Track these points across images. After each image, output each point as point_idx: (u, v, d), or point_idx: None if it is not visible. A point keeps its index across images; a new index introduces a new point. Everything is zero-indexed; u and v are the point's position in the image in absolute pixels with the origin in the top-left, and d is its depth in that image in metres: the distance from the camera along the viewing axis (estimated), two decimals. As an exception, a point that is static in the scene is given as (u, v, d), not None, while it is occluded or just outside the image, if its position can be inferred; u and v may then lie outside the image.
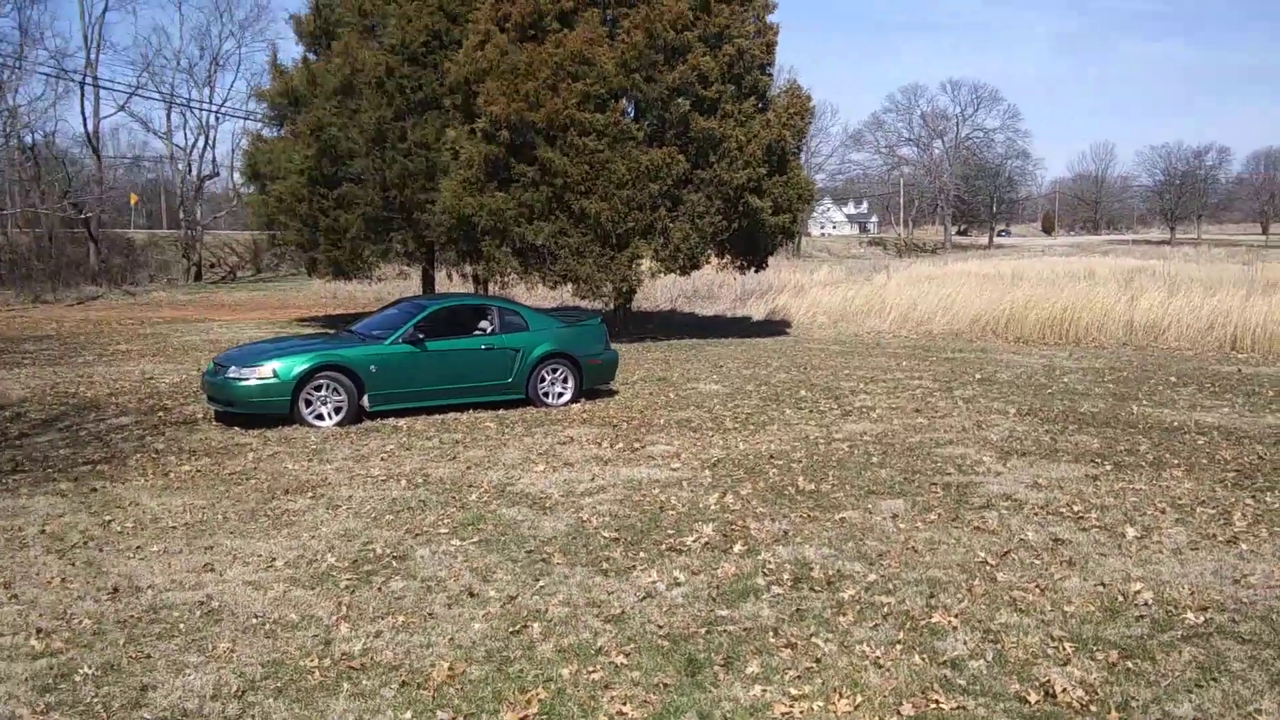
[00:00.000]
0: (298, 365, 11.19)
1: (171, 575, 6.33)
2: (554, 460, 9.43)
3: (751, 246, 21.50)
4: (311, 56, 25.96)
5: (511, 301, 13.66)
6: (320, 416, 11.30)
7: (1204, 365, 16.06)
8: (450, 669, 4.72)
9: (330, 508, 7.96)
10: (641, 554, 6.47)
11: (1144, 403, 12.13)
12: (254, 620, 5.52)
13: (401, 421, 11.51)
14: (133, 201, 55.36)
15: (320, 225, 23.39)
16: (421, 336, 11.86)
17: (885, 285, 28.94)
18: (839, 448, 9.70)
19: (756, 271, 23.36)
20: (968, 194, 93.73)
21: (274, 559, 6.64)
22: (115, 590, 6.08)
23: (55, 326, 25.55)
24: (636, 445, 10.09)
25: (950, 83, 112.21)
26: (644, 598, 5.64)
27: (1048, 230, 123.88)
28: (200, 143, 46.73)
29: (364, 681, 4.66)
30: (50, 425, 11.64)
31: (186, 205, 44.36)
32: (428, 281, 27.69)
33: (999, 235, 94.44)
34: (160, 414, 12.25)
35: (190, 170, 47.18)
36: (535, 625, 5.26)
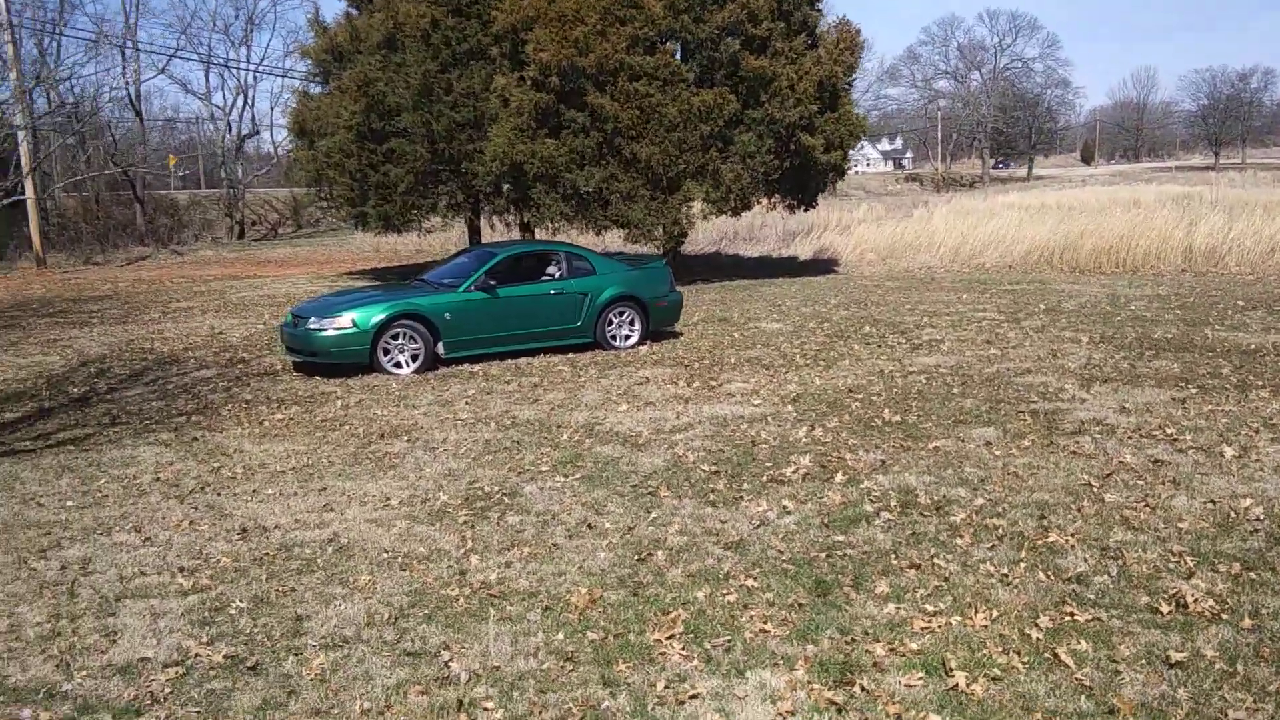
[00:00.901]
0: (375, 314, 11.40)
1: (294, 516, 6.58)
2: (635, 400, 9.60)
3: (802, 185, 21.43)
4: (354, 12, 25.94)
5: (578, 246, 13.76)
6: (398, 364, 11.53)
7: (1270, 289, 15.94)
8: (589, 594, 4.93)
9: (428, 449, 8.19)
10: (745, 485, 6.64)
11: (1216, 327, 12.11)
12: (385, 555, 5.76)
13: (476, 367, 11.72)
14: (171, 163, 55.81)
15: (370, 180, 23.52)
16: (493, 283, 12.03)
17: (930, 220, 28.75)
18: (916, 380, 9.80)
19: (805, 210, 23.32)
20: (1006, 126, 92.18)
21: (388, 498, 6.88)
22: (244, 531, 6.34)
23: (110, 287, 25.98)
24: (713, 383, 10.24)
25: (987, 13, 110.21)
26: (758, 526, 5.81)
27: (1087, 160, 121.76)
28: (239, 102, 46.79)
29: (508, 607, 4.88)
30: (136, 379, 11.97)
31: (228, 165, 44.65)
32: (473, 232, 27.84)
33: (997, 167, 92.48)
34: (240, 366, 12.55)
35: (230, 130, 47.38)
36: (659, 553, 5.45)
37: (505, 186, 22.94)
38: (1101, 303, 14.89)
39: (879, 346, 11.89)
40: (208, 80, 47.82)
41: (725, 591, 4.85)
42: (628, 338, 12.80)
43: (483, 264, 12.24)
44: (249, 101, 48.64)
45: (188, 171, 60.01)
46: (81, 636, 4.85)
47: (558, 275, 12.61)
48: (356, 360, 11.41)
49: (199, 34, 62.90)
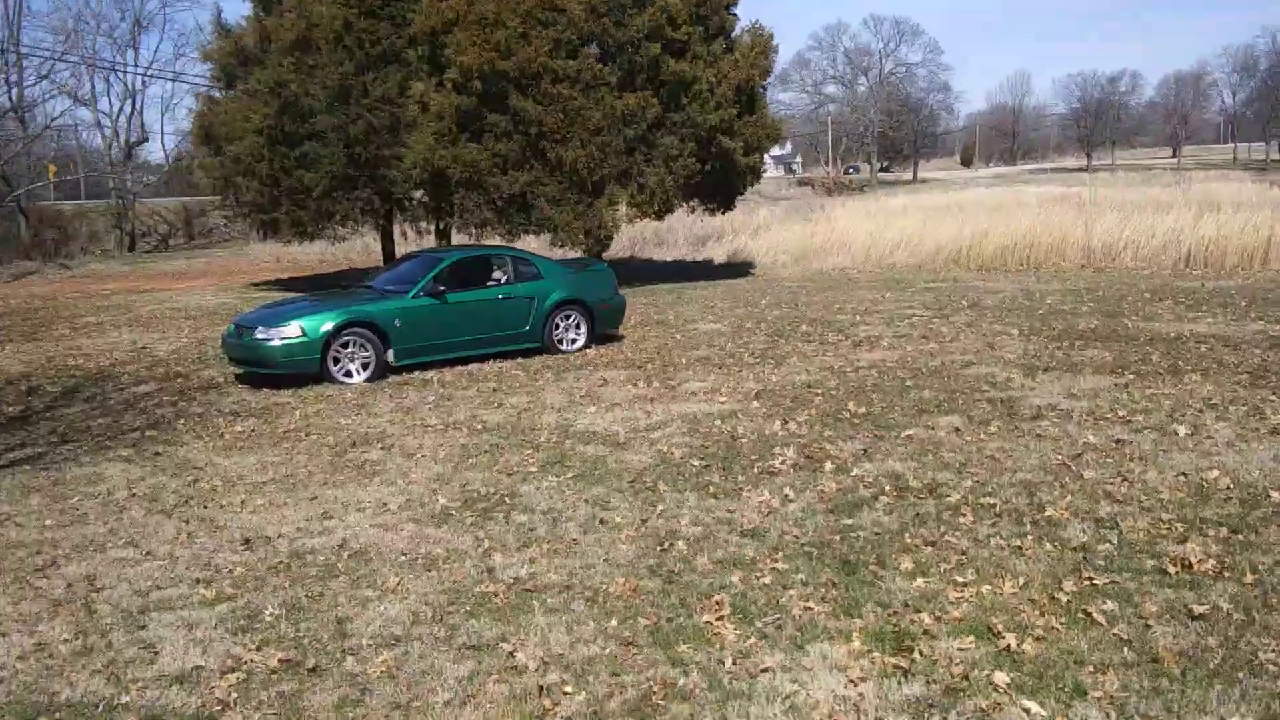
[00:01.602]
0: (325, 323, 11.34)
1: (295, 525, 6.59)
2: (599, 402, 9.78)
3: (721, 188, 21.87)
4: (262, 13, 25.44)
5: (524, 251, 13.86)
6: (348, 373, 11.48)
7: (1168, 282, 16.93)
8: (625, 584, 5.10)
9: (406, 456, 8.23)
10: (740, 478, 6.89)
11: (1133, 318, 12.87)
12: (403, 557, 5.84)
13: (428, 374, 11.73)
14: (51, 173, 53.59)
15: (282, 185, 23.13)
16: (442, 289, 12.06)
17: (833, 222, 29.57)
18: (867, 375, 10.21)
19: (724, 213, 23.81)
20: (891, 130, 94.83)
21: (385, 504, 6.93)
22: (247, 541, 6.33)
23: (1, 304, 24.96)
24: (671, 383, 10.48)
25: (872, 18, 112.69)
26: (766, 514, 6.07)
27: (966, 163, 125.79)
28: (127, 108, 45.22)
29: (548, 600, 5.02)
30: (73, 396, 11.65)
31: (116, 174, 43.12)
32: (386, 239, 27.59)
33: (881, 173, 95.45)
34: (179, 380, 12.31)
35: (119, 137, 45.78)
36: (679, 543, 5.66)
37: (418, 193, 22.83)
38: (1019, 298, 15.63)
39: (821, 344, 12.30)
40: (92, 85, 45.84)
41: (758, 574, 5.08)
42: (574, 341, 12.96)
43: (430, 269, 12.25)
44: (137, 108, 46.88)
45: (64, 179, 57.65)
46: (119, 650, 4.83)
47: (504, 280, 12.69)
48: (306, 370, 11.32)
49: (83, 37, 60.42)
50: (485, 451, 8.20)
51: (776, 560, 5.27)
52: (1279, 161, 78.91)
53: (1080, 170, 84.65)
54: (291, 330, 11.25)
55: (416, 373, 11.82)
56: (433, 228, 28.33)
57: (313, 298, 13.28)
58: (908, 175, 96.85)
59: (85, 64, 42.31)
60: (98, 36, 45.63)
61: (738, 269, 25.32)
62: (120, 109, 44.84)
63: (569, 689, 4.07)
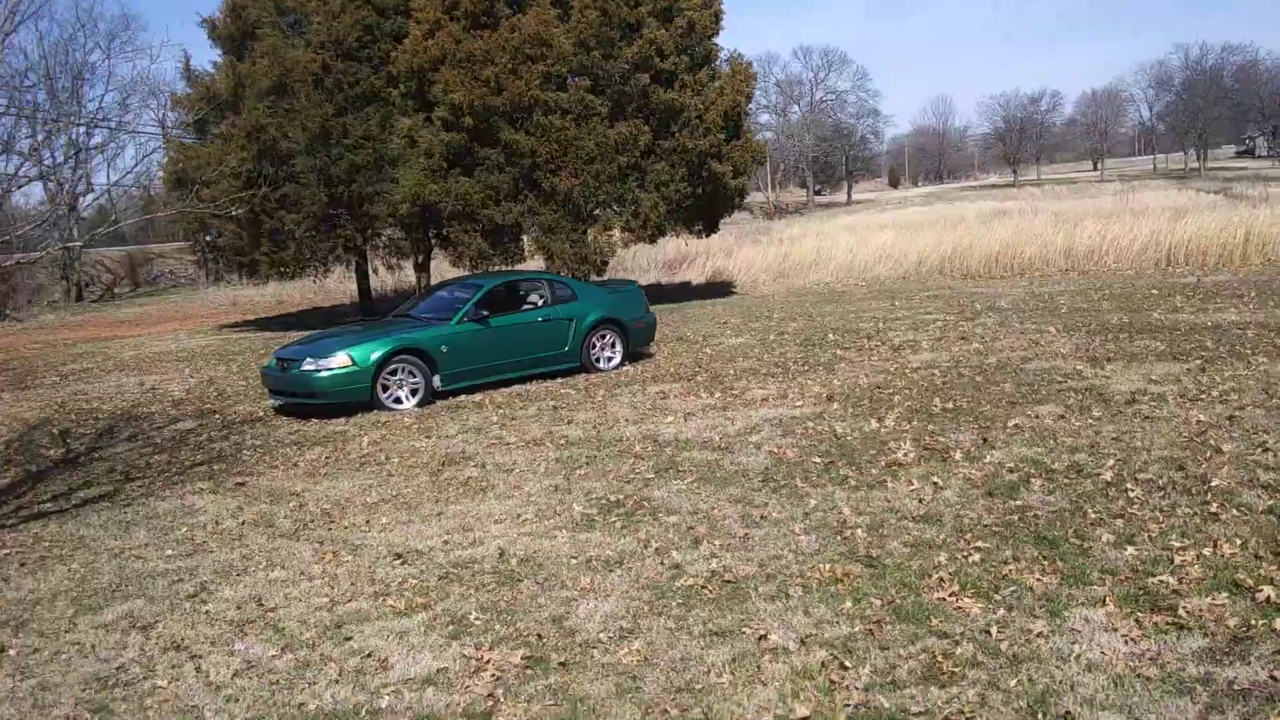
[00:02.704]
0: (375, 351, 11.25)
1: (439, 539, 6.53)
2: (671, 412, 9.82)
3: (709, 212, 22.11)
4: (226, 59, 25.20)
5: (556, 274, 13.88)
6: (398, 400, 11.38)
7: (1161, 281, 17.47)
8: (830, 570, 5.16)
9: (505, 472, 8.19)
10: (872, 471, 6.99)
11: (1156, 312, 13.28)
12: (574, 560, 5.83)
13: (476, 397, 11.68)
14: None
15: (263, 227, 22.87)
16: (485, 314, 12.05)
17: (803, 241, 30.07)
18: (929, 375, 10.40)
19: (707, 236, 24.01)
20: (824, 155, 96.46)
21: (518, 515, 6.90)
22: (399, 556, 6.26)
23: (-35, 358, 24.17)
24: (733, 393, 10.56)
25: (801, 49, 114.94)
26: (925, 501, 6.17)
27: (894, 184, 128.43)
28: (72, 160, 44.19)
29: (759, 588, 5.06)
30: (111, 436, 11.38)
31: (61, 225, 42.14)
32: (362, 276, 27.38)
33: (817, 194, 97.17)
34: (215, 416, 12.09)
35: (62, 189, 44.74)
36: (858, 531, 5.73)
37: (391, 231, 22.74)
38: (1029, 300, 16.01)
39: (860, 350, 12.49)
40: (36, 137, 44.71)
41: (963, 554, 5.18)
42: (610, 360, 13.00)
43: (472, 295, 12.22)
44: (81, 159, 45.83)
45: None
46: (342, 661, 4.77)
47: (541, 303, 12.71)
48: (357, 399, 11.21)
49: (23, 90, 59.05)
50: (586, 463, 8.19)
51: (967, 540, 5.36)
52: (1196, 170, 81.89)
53: (1008, 185, 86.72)
54: (341, 360, 11.14)
55: (463, 396, 11.76)
56: (410, 263, 28.23)
57: (350, 328, 13.15)
58: (841, 197, 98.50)
59: (25, 116, 41.36)
60: (36, 88, 44.52)
61: (720, 289, 25.53)
62: (65, 161, 43.75)
63: (847, 664, 4.12)
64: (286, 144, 22.20)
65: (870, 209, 68.24)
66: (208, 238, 24.57)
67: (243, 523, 7.42)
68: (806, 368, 11.63)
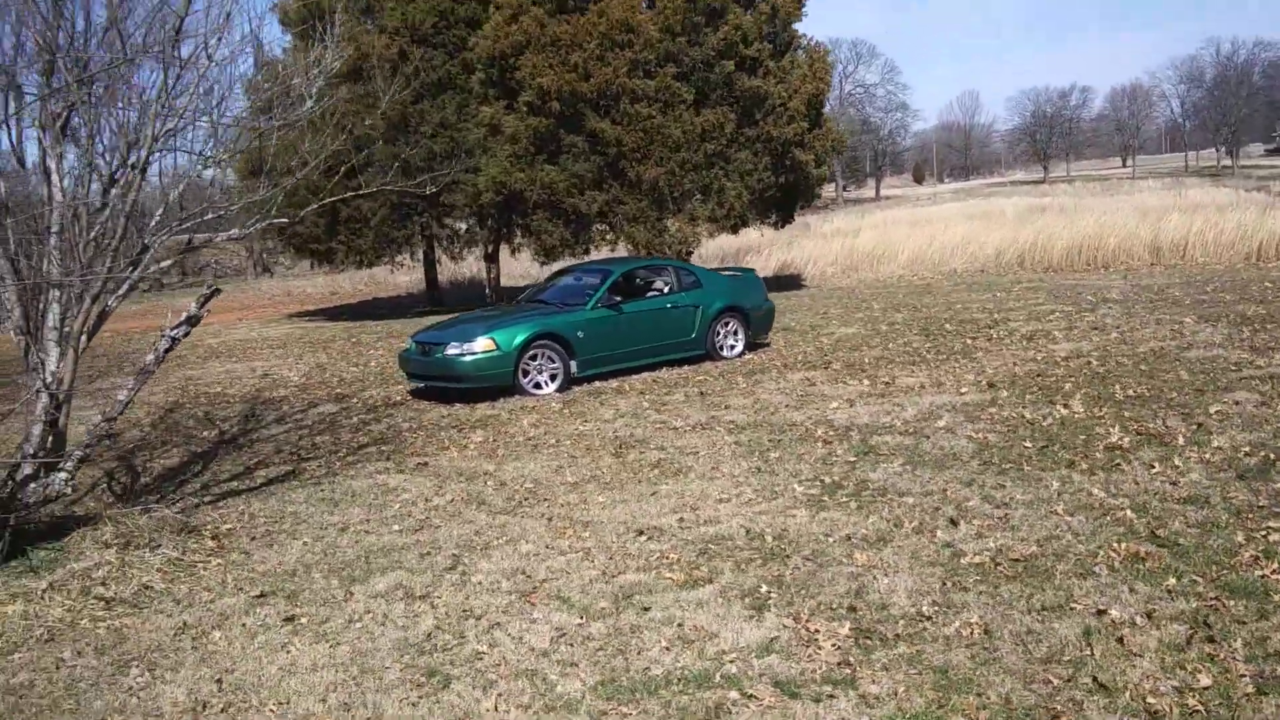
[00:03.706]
0: (518, 335, 11.33)
1: (671, 518, 6.59)
2: (829, 399, 9.86)
3: (787, 202, 22.13)
4: (296, 45, 25.32)
5: (682, 261, 13.94)
6: (538, 385, 11.46)
7: (1263, 273, 17.43)
8: (1127, 549, 5.20)
9: (689, 455, 8.23)
10: (1096, 455, 7.03)
11: (1286, 304, 13.28)
12: (829, 538, 5.87)
13: (612, 384, 11.75)
14: None
15: (340, 215, 22.99)
16: (618, 300, 12.12)
17: (857, 234, 30.04)
18: (1086, 363, 10.40)
19: (782, 227, 24.04)
20: (853, 150, 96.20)
21: (737, 495, 6.96)
22: (641, 532, 6.32)
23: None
24: (882, 380, 10.59)
25: (830, 41, 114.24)
26: (1177, 484, 6.20)
27: (918, 180, 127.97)
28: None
29: (1060, 567, 5.11)
30: (256, 419, 11.47)
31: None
32: (430, 265, 27.53)
33: (844, 190, 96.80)
34: (354, 400, 12.18)
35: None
36: (1126, 513, 5.77)
37: (468, 221, 22.82)
38: (1140, 292, 15.98)
39: (990, 340, 12.49)
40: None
41: (1260, 531, 5.22)
42: (733, 347, 13.05)
43: (603, 281, 12.28)
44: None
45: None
46: (654, 628, 4.83)
47: (667, 290, 12.77)
48: (500, 382, 11.29)
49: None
50: (771, 446, 8.24)
51: (1260, 521, 5.40)
52: (1229, 168, 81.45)
53: (1038, 182, 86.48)
54: (485, 344, 11.22)
55: (598, 383, 11.82)
56: (472, 254, 28.37)
57: (485, 314, 13.23)
58: (868, 193, 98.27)
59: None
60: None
61: (788, 281, 25.54)
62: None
63: (1214, 637, 4.16)
64: (364, 130, 22.30)
65: (902, 205, 67.95)
66: (284, 225, 24.60)
67: (451, 500, 7.49)
68: (945, 356, 11.65)
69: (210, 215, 7.57)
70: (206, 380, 14.86)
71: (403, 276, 35.43)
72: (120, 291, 7.20)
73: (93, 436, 7.03)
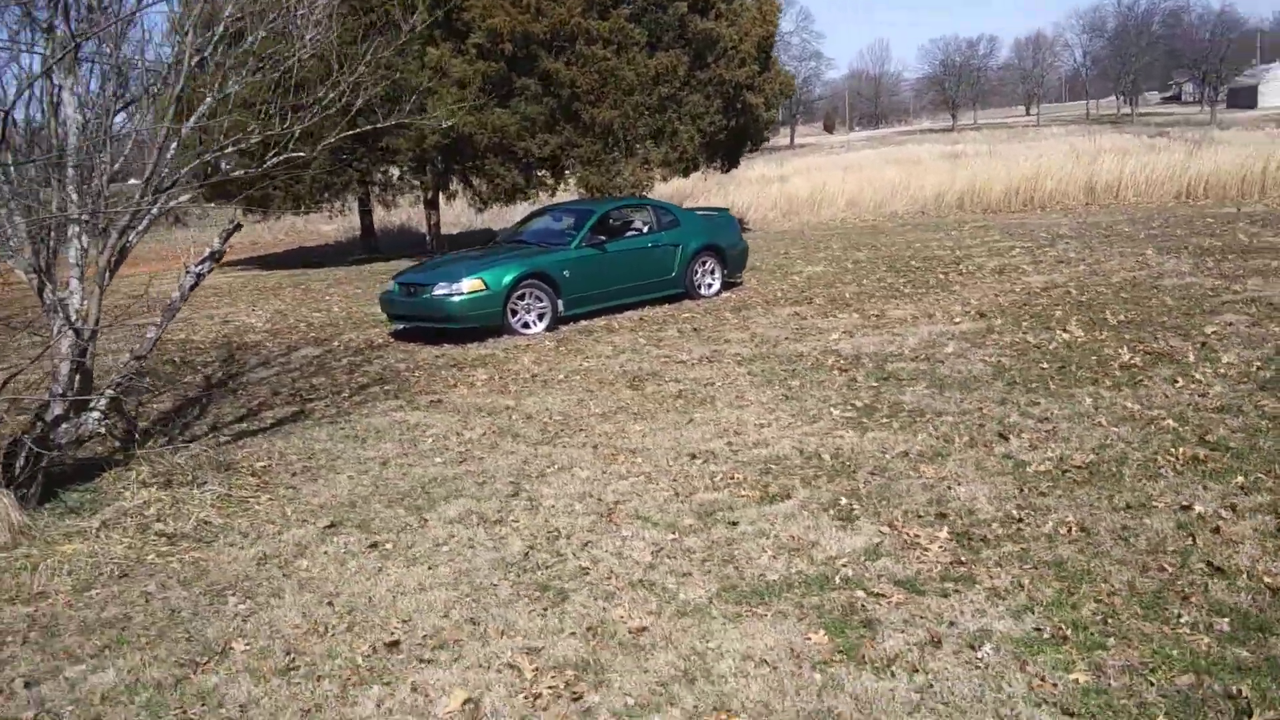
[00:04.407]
0: (507, 275, 11.27)
1: (719, 441, 6.71)
2: (824, 332, 10.05)
3: (735, 146, 22.22)
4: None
5: (660, 201, 13.95)
6: (526, 325, 11.44)
7: (1198, 211, 18.15)
8: (1184, 453, 5.49)
9: (706, 385, 8.35)
10: (1114, 373, 7.35)
11: (1239, 235, 13.84)
12: (884, 454, 6.06)
13: (598, 323, 11.78)
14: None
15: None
16: (602, 239, 12.12)
17: (788, 180, 30.44)
18: (1065, 292, 10.78)
19: (728, 170, 24.14)
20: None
21: (774, 420, 7.11)
22: (693, 456, 6.43)
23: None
24: (871, 313, 10.83)
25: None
26: (1206, 396, 6.54)
27: (829, 129, 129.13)
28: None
29: (1126, 471, 5.37)
30: (236, 364, 11.23)
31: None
32: (365, 213, 27.03)
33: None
34: (335, 344, 11.99)
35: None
36: (1167, 421, 6.07)
37: (443, 159, 22.40)
38: (1090, 230, 16.52)
39: (963, 275, 12.82)
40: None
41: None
42: (710, 285, 13.16)
43: (585, 220, 12.26)
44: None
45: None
46: (750, 540, 4.97)
47: (646, 229, 12.81)
48: (489, 323, 11.23)
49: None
50: (788, 376, 8.40)
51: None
52: (1128, 115, 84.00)
53: (946, 130, 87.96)
54: (474, 284, 11.13)
55: (583, 322, 11.84)
56: (406, 200, 27.91)
57: (468, 254, 13.05)
58: (782, 142, 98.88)
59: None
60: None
61: (731, 227, 25.64)
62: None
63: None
64: (302, 71, 21.68)
65: (817, 152, 68.33)
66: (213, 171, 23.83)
67: (483, 434, 7.49)
68: (923, 290, 11.94)
69: (232, 148, 7.36)
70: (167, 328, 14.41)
71: (325, 225, 34.68)
72: (140, 227, 6.98)
73: (124, 375, 6.85)
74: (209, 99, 7.44)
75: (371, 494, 6.26)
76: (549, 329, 11.48)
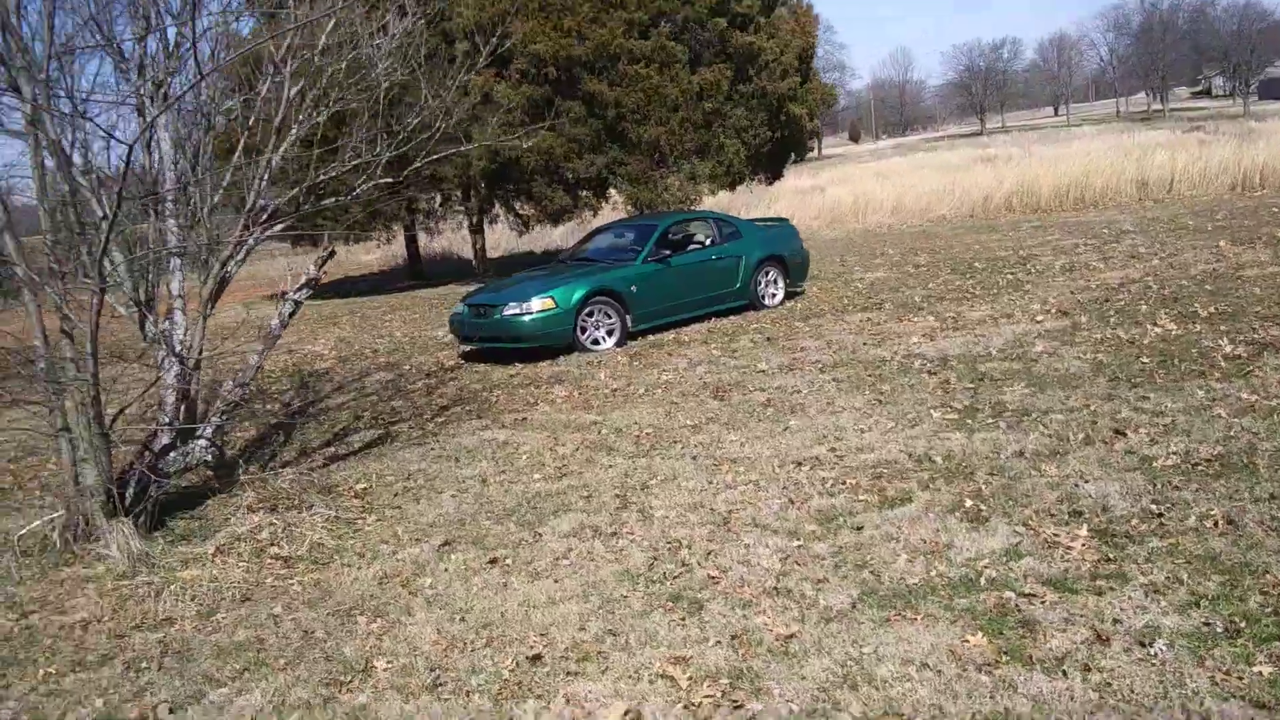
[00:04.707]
0: (576, 293, 11.27)
1: (822, 448, 6.64)
2: (903, 336, 9.95)
3: (781, 156, 22.20)
4: (263, 21, 24.78)
5: (721, 213, 13.94)
6: (596, 341, 11.43)
7: (1260, 202, 17.86)
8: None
9: (793, 394, 8.27)
10: (1220, 365, 7.21)
11: (1306, 227, 13.65)
12: (998, 455, 5.96)
13: (667, 336, 11.74)
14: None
15: (324, 193, 22.59)
16: (666, 253, 12.11)
17: (826, 190, 30.36)
18: (1145, 287, 10.61)
19: (773, 183, 24.12)
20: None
21: (873, 425, 7.02)
22: (799, 463, 6.36)
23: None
24: (948, 316, 10.72)
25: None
26: (1317, 382, 6.39)
27: (854, 139, 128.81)
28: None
29: (1260, 461, 5.24)
30: (312, 391, 11.29)
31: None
32: (411, 240, 27.24)
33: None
34: (406, 367, 12.05)
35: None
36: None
37: (491, 183, 22.56)
38: (1153, 224, 16.31)
39: (1032, 274, 12.68)
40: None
41: None
42: (774, 295, 13.11)
43: (649, 236, 12.26)
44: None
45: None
46: (878, 545, 4.88)
47: (709, 241, 12.78)
48: (560, 341, 11.23)
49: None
50: (876, 380, 8.31)
51: None
52: (1160, 111, 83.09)
53: (975, 135, 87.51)
54: (544, 303, 11.15)
55: (652, 336, 11.81)
56: (449, 226, 28.10)
57: (535, 273, 13.04)
58: (811, 154, 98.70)
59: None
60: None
61: (777, 239, 25.58)
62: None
63: None
64: (352, 107, 21.92)
65: (847, 163, 68.21)
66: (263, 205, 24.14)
67: (577, 449, 7.46)
68: (995, 291, 11.81)
69: (329, 175, 7.42)
70: (232, 360, 14.54)
71: (365, 255, 34.97)
72: (240, 257, 7.04)
73: (227, 403, 6.89)
74: (294, 130, 7.48)
75: (478, 511, 6.24)
76: (618, 344, 11.46)
